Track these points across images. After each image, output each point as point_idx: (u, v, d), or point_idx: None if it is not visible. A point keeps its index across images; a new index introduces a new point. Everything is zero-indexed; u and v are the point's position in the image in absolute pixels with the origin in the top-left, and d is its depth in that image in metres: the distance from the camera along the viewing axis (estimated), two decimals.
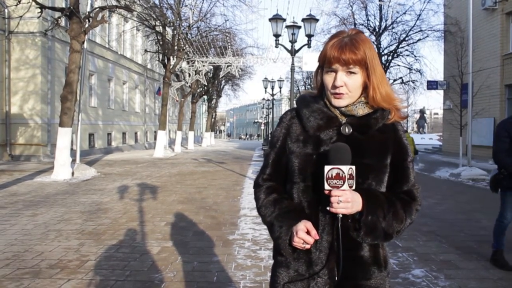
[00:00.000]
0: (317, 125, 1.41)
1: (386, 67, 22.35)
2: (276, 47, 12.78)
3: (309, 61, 12.13)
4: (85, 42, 12.54)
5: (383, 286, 1.41)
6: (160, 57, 23.82)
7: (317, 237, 1.32)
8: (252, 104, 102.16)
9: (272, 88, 30.59)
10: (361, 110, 1.40)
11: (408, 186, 1.44)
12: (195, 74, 22.33)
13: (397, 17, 21.97)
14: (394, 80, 22.88)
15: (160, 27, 21.47)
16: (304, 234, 1.30)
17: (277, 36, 12.05)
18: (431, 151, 26.83)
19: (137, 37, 28.05)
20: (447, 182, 12.27)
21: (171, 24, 21.41)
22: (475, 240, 5.44)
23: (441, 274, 4.10)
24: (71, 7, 11.58)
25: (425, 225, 6.20)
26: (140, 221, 6.27)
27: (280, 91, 33.49)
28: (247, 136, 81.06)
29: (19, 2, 11.16)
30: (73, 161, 12.25)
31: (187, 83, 23.74)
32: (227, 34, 22.77)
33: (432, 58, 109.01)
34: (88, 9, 13.18)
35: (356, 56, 1.33)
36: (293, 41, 12.09)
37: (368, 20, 22.99)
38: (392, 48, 22.85)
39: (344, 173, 1.26)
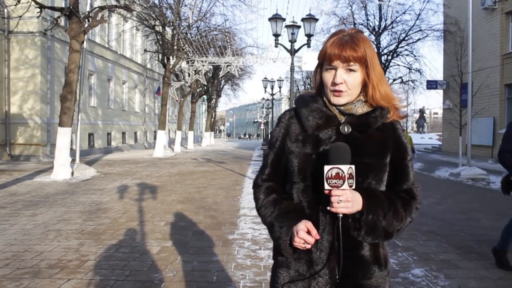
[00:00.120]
0: (316, 125, 1.41)
1: (385, 66, 22.36)
2: (276, 46, 12.79)
3: (309, 60, 12.14)
4: (85, 42, 12.53)
5: (383, 285, 1.41)
6: (160, 56, 23.81)
7: (318, 237, 1.32)
8: (251, 103, 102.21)
9: (272, 88, 30.60)
10: (360, 109, 1.40)
11: (407, 184, 1.44)
12: (195, 74, 22.33)
13: (396, 17, 22.02)
14: (394, 80, 22.89)
15: (160, 27, 21.47)
16: (305, 234, 1.30)
17: (276, 35, 12.05)
18: (431, 151, 26.84)
19: (136, 36, 28.06)
20: (446, 181, 12.27)
21: (171, 23, 21.39)
22: (474, 239, 5.44)
23: (440, 274, 4.10)
24: (71, 7, 11.57)
25: (425, 224, 6.20)
26: (139, 221, 6.27)
27: (280, 91, 33.52)
28: (245, 136, 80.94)
29: (19, 1, 11.15)
30: (73, 161, 12.24)
31: (187, 82, 23.74)
32: (226, 33, 22.75)
33: (431, 58, 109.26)
34: (88, 8, 13.17)
35: (357, 53, 1.33)
36: (292, 41, 12.09)
37: (367, 19, 23.02)
38: (391, 47, 22.88)
39: (344, 172, 1.26)
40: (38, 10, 11.67)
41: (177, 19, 20.83)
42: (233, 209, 7.29)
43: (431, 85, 23.02)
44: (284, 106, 61.13)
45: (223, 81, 37.68)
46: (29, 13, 12.44)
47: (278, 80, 30.87)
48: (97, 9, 12.41)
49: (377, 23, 22.82)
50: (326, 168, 1.27)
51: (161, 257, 4.50)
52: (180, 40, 20.80)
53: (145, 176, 12.26)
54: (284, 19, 12.27)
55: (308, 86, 33.76)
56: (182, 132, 31.11)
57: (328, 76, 1.38)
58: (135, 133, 28.90)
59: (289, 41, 12.13)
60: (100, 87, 22.93)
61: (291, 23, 12.23)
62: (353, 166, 1.27)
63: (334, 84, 1.36)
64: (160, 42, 22.22)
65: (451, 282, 3.88)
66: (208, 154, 23.93)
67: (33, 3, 11.27)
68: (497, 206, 7.98)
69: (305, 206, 1.40)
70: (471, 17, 12.85)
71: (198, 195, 8.79)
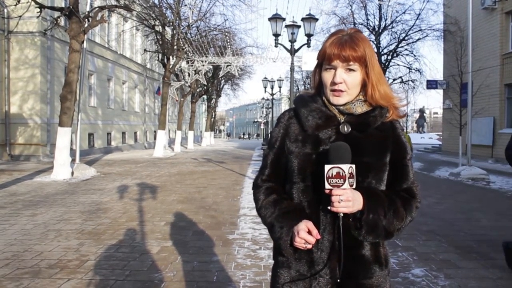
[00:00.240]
0: (315, 125, 1.41)
1: (385, 66, 22.37)
2: (276, 46, 12.80)
3: (309, 60, 12.15)
4: (85, 42, 12.53)
5: (384, 284, 1.41)
6: (160, 56, 23.81)
7: (319, 237, 1.32)
8: (251, 103, 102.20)
9: (272, 88, 30.61)
10: (360, 108, 1.40)
11: (407, 184, 1.44)
12: (195, 74, 22.32)
13: (396, 17, 22.04)
14: (394, 80, 22.90)
15: (160, 27, 21.46)
16: (306, 234, 1.30)
17: (276, 35, 12.05)
18: (431, 151, 26.85)
19: (136, 36, 28.05)
20: (446, 181, 12.27)
21: (171, 23, 21.39)
22: (474, 239, 5.44)
23: (440, 274, 4.10)
24: (71, 7, 11.56)
25: (425, 224, 6.20)
26: (139, 221, 6.27)
27: (280, 91, 33.53)
28: (244, 136, 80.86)
29: (19, 1, 11.15)
30: (73, 160, 12.24)
31: (187, 82, 23.73)
32: (226, 33, 22.74)
33: (431, 58, 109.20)
34: (88, 8, 13.16)
35: (356, 53, 1.33)
36: (292, 41, 12.09)
37: (367, 19, 23.04)
38: (391, 47, 22.90)
39: (344, 172, 1.26)
40: (38, 10, 11.67)
41: (177, 19, 20.82)
42: (233, 209, 7.29)
43: (431, 85, 23.02)
44: (284, 106, 61.13)
45: (223, 81, 37.68)
46: (29, 13, 12.44)
47: (278, 80, 30.88)
48: (97, 9, 12.41)
49: (377, 22, 22.86)
50: (327, 167, 1.27)
51: (161, 257, 4.50)
52: (180, 40, 20.79)
53: (145, 176, 12.26)
54: (284, 19, 12.27)
55: (308, 86, 33.74)
56: (182, 132, 31.12)
57: (327, 76, 1.38)
58: (135, 133, 28.90)
59: (289, 41, 12.13)
60: (100, 87, 22.92)
61: (291, 23, 12.23)
62: (353, 166, 1.27)
63: (333, 83, 1.37)
64: (160, 42, 22.22)
65: (451, 282, 3.88)
66: (208, 154, 23.93)
67: (33, 3, 11.26)
68: (497, 206, 7.99)
69: (306, 206, 1.40)
70: (471, 17, 12.85)
71: (198, 195, 8.79)
